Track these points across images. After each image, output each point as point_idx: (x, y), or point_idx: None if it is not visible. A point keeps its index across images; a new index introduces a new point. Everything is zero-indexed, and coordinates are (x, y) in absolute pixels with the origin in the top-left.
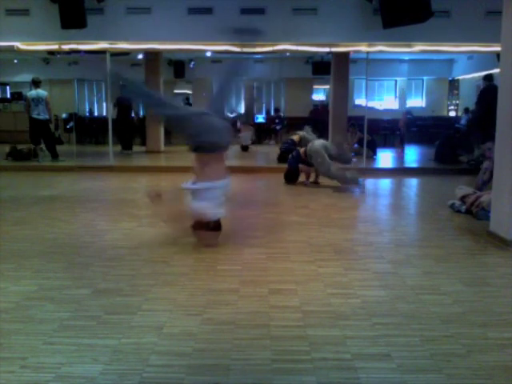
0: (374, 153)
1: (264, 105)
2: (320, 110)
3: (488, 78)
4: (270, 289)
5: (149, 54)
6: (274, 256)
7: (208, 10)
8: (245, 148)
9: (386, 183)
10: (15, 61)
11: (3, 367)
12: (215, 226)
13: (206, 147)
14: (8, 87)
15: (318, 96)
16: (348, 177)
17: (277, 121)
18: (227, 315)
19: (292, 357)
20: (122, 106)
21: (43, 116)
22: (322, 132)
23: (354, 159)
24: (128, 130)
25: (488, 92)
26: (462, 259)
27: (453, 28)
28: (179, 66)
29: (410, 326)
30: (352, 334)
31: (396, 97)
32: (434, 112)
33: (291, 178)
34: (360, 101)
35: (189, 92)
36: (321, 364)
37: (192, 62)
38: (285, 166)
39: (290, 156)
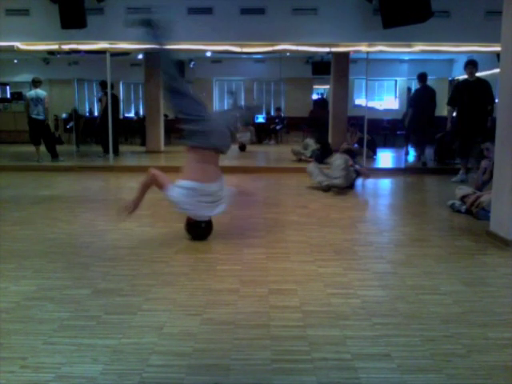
0: (374, 153)
1: (264, 105)
2: (320, 110)
3: (422, 79)
4: (270, 289)
5: (149, 53)
6: (274, 256)
7: (208, 10)
8: (242, 148)
9: (386, 183)
10: (15, 61)
11: (3, 367)
12: (206, 226)
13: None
14: (8, 87)
15: (317, 96)
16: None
17: (277, 120)
18: (227, 315)
19: (292, 357)
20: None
21: (42, 116)
22: (321, 132)
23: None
24: (112, 131)
25: (422, 93)
26: (462, 259)
27: (453, 28)
28: (179, 66)
29: (410, 326)
30: (352, 333)
31: (396, 97)
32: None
33: None
34: (360, 101)
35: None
36: (321, 364)
37: (192, 62)
38: (285, 166)
39: None
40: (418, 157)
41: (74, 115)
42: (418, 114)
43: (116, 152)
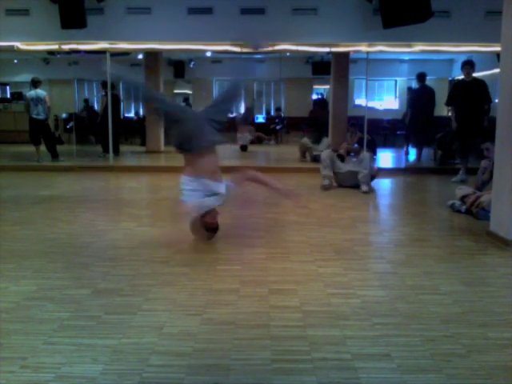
0: (374, 153)
1: (264, 105)
2: (320, 110)
3: (421, 79)
4: (270, 289)
5: (149, 54)
6: (274, 256)
7: (208, 10)
8: (244, 148)
9: (386, 183)
10: (15, 61)
11: (3, 367)
12: (212, 226)
13: (188, 148)
14: (8, 87)
15: (316, 96)
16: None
17: (277, 120)
18: (227, 315)
19: (292, 357)
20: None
21: (43, 116)
22: (321, 132)
23: (354, 159)
24: (113, 130)
25: (421, 93)
26: (462, 259)
27: (453, 28)
28: (179, 66)
29: (410, 326)
30: (352, 333)
31: (396, 97)
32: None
33: None
34: (360, 101)
35: (189, 92)
36: (321, 364)
37: (192, 62)
38: (285, 166)
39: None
40: (419, 157)
41: (86, 108)
42: (417, 113)
43: (116, 152)
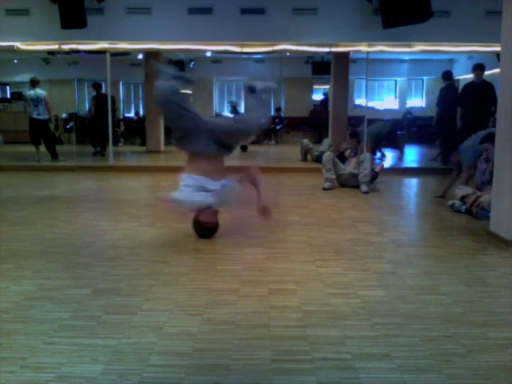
0: (374, 153)
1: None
2: (321, 110)
3: (447, 77)
4: (270, 289)
5: (149, 53)
6: (274, 256)
7: (208, 10)
8: (244, 148)
9: (386, 183)
10: (15, 61)
11: (3, 367)
12: (208, 225)
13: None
14: (8, 87)
15: (318, 96)
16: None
17: (277, 120)
18: (227, 315)
19: (292, 357)
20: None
21: (43, 116)
22: (321, 132)
23: (355, 158)
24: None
25: (447, 91)
26: (462, 259)
27: (453, 28)
28: (179, 66)
29: (410, 326)
30: (352, 333)
31: (396, 97)
32: (434, 112)
33: None
34: (360, 101)
35: (189, 92)
36: (321, 364)
37: (192, 62)
38: (284, 166)
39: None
40: (443, 157)
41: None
42: (443, 113)
43: (99, 148)
